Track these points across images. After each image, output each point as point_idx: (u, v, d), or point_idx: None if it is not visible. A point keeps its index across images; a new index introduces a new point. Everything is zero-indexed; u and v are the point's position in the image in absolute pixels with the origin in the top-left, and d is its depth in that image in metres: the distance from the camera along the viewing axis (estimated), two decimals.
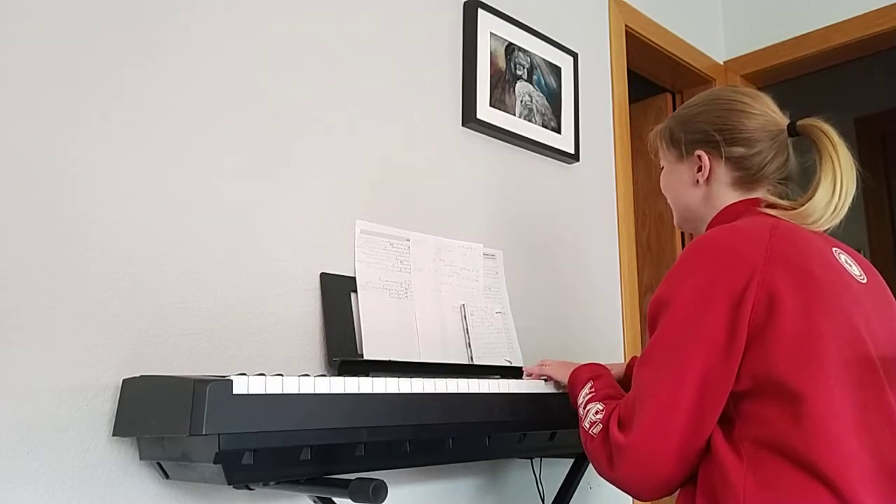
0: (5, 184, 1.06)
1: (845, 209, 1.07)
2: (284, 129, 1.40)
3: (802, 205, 1.06)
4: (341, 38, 1.53)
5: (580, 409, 1.12)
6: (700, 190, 1.16)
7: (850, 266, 1.04)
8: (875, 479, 0.88)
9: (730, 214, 1.12)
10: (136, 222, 1.18)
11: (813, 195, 1.06)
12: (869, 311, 1.00)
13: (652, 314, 1.02)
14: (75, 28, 1.15)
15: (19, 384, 1.03)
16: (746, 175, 1.12)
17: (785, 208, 1.08)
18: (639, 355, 1.40)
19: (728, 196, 1.14)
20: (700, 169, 1.15)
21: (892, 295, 1.09)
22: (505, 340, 1.62)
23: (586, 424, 1.06)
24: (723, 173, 1.14)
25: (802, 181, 1.15)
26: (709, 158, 1.14)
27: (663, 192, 1.26)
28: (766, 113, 1.13)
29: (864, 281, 1.04)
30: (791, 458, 0.89)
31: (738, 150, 1.11)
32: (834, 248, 1.06)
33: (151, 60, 1.24)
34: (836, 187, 1.05)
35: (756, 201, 1.12)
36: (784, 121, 1.14)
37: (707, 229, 1.15)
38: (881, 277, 1.11)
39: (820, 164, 1.08)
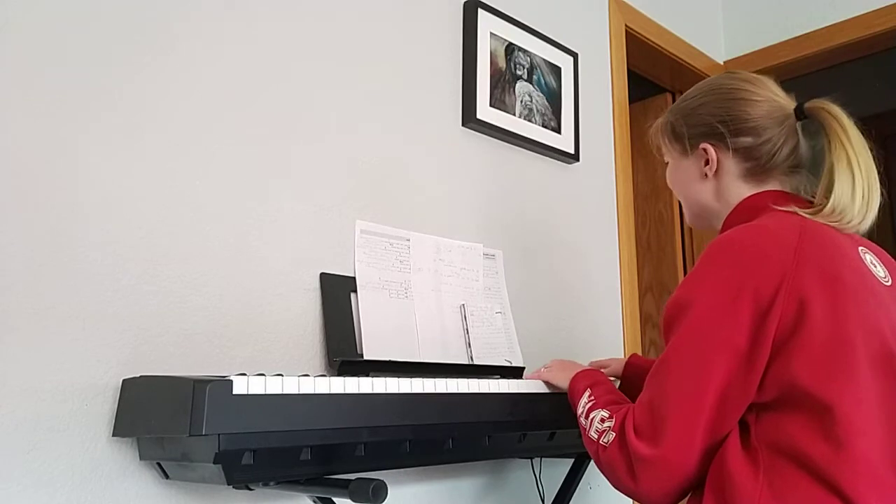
0: (6, 184, 1.06)
1: (875, 197, 1.00)
2: (284, 128, 1.40)
3: (826, 201, 0.99)
4: (341, 39, 1.53)
5: (581, 419, 1.07)
6: (709, 184, 1.12)
7: (875, 267, 0.99)
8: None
9: (748, 210, 1.06)
10: (137, 222, 1.18)
11: (831, 187, 0.99)
12: (894, 314, 0.95)
13: (669, 316, 0.97)
14: (78, 29, 1.15)
15: (19, 384, 1.03)
16: (756, 165, 1.07)
17: (809, 207, 1.01)
18: (638, 353, 1.36)
19: (740, 189, 1.09)
20: (707, 162, 1.10)
21: None
22: (505, 340, 1.62)
23: (593, 434, 1.01)
24: (731, 165, 1.09)
25: (814, 168, 1.08)
26: (715, 151, 1.09)
27: (671, 187, 1.21)
28: (771, 98, 1.07)
29: (889, 283, 0.99)
30: (811, 470, 0.85)
31: (746, 140, 1.06)
32: (860, 248, 1.00)
33: (152, 62, 1.23)
34: (855, 173, 0.99)
35: (773, 194, 1.06)
36: (790, 104, 1.08)
37: (724, 226, 1.10)
38: None
39: (830, 149, 1.01)
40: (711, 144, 1.10)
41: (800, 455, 0.86)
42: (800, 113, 1.07)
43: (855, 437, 0.84)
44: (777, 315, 0.88)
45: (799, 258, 0.91)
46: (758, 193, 1.07)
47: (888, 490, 0.85)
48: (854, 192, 0.99)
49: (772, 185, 1.08)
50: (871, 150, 1.02)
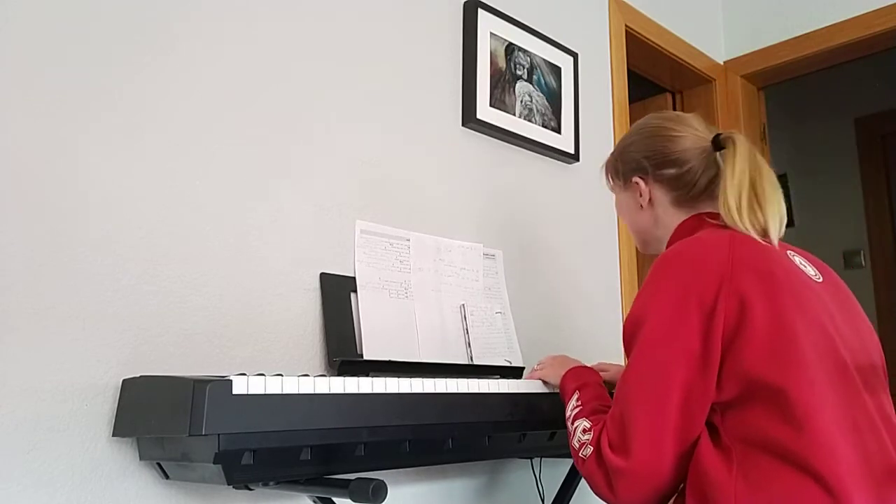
0: (6, 184, 1.06)
1: (784, 215, 1.08)
2: (284, 128, 1.40)
3: (752, 228, 1.07)
4: (341, 39, 1.53)
5: (568, 424, 1.11)
6: (647, 213, 1.23)
7: (805, 267, 1.07)
8: (862, 477, 0.89)
9: (686, 230, 1.15)
10: (137, 222, 1.18)
11: (755, 217, 1.07)
12: (831, 309, 1.02)
13: (628, 333, 1.04)
14: (78, 29, 1.15)
15: (19, 384, 1.03)
16: (683, 193, 1.18)
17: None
18: None
19: (674, 215, 1.19)
20: (641, 194, 1.22)
21: (848, 290, 1.12)
22: (505, 340, 1.62)
23: (575, 444, 1.06)
24: (661, 195, 1.21)
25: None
26: (645, 183, 1.22)
27: (620, 218, 1.33)
28: (691, 134, 1.19)
29: (820, 280, 1.07)
30: (782, 455, 0.89)
31: (669, 172, 1.19)
32: (788, 252, 1.08)
33: (152, 62, 1.24)
34: (775, 200, 1.08)
35: (705, 215, 1.15)
36: (710, 136, 1.18)
37: (667, 247, 1.18)
38: (836, 274, 1.13)
39: (726, 168, 1.10)
40: (641, 178, 1.23)
41: (766, 442, 0.91)
42: (716, 144, 1.17)
43: (812, 416, 0.89)
44: (721, 315, 0.95)
45: (733, 262, 0.98)
46: (693, 216, 1.18)
47: (852, 463, 0.89)
48: (774, 218, 1.08)
49: (703, 209, 1.18)
50: (772, 169, 1.12)
